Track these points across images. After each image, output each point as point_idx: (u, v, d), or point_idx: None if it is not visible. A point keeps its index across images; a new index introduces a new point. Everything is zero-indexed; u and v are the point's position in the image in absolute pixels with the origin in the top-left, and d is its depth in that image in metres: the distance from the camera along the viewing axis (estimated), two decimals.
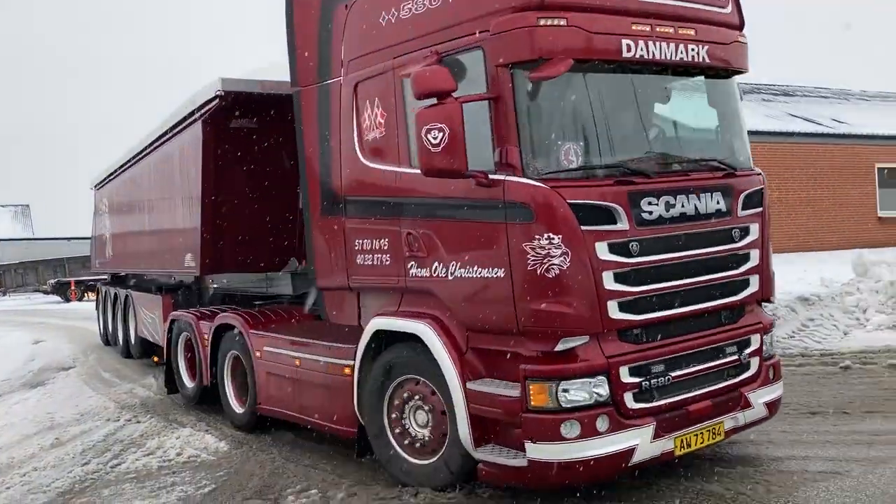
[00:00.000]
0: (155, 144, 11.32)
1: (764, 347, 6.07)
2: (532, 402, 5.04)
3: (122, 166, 14.02)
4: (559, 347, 5.06)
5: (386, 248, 6.04)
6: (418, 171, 5.54)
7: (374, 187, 6.18)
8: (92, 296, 40.06)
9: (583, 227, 4.99)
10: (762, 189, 5.99)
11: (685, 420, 5.45)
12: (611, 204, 5.12)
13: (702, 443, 5.58)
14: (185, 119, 9.46)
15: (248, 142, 8.84)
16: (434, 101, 4.99)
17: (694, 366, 5.57)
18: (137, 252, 13.28)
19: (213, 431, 8.43)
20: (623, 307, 5.14)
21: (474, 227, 5.37)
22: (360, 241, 6.34)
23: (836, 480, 5.60)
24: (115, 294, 15.44)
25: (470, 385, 5.43)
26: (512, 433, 5.26)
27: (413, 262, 5.83)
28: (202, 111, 8.70)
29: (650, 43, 5.27)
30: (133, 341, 14.06)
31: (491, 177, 5.10)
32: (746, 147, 6.14)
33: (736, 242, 5.77)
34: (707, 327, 5.69)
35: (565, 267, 4.91)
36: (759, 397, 5.97)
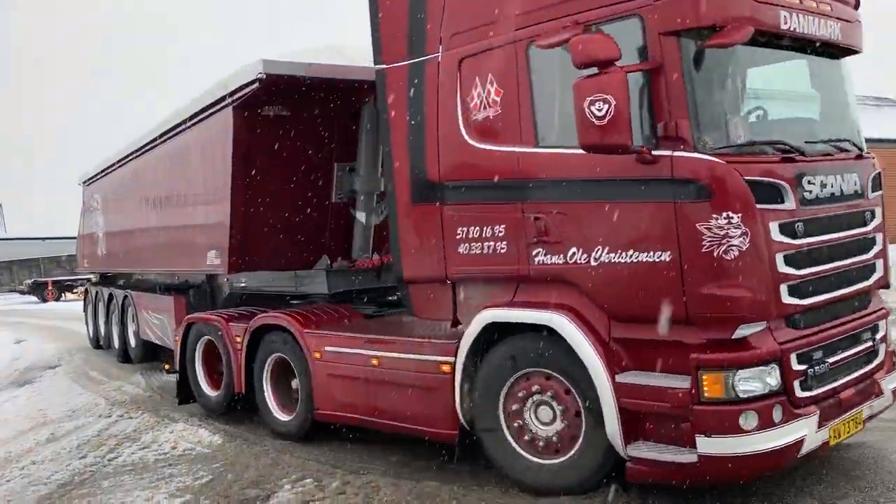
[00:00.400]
0: (167, 135, 9.67)
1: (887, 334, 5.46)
2: (706, 394, 4.40)
3: (121, 160, 12.10)
4: (737, 335, 4.42)
5: (501, 234, 5.27)
6: (547, 150, 4.94)
7: (486, 170, 5.33)
8: (69, 296, 39.68)
9: (757, 206, 4.39)
10: (881, 172, 5.35)
11: (838, 408, 4.83)
12: (781, 182, 4.48)
13: (848, 432, 4.92)
14: (210, 106, 8.06)
15: (280, 131, 7.60)
16: (594, 71, 4.38)
17: (842, 352, 4.95)
18: (139, 250, 11.46)
19: (205, 426, 7.76)
20: (791, 291, 4.54)
21: (630, 207, 4.62)
22: (464, 229, 5.50)
23: (805, 464, 5.22)
24: (111, 295, 13.24)
25: (620, 378, 4.68)
26: (671, 428, 4.59)
27: (540, 249, 5.03)
28: (234, 96, 7.41)
29: (799, 16, 4.75)
30: (133, 344, 12.08)
31: (654, 152, 4.42)
32: (861, 129, 5.49)
33: (867, 225, 5.12)
34: (847, 313, 5.07)
35: (744, 248, 4.31)
36: (888, 384, 5.35)
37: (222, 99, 7.69)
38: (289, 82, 7.16)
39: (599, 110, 4.33)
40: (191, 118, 8.72)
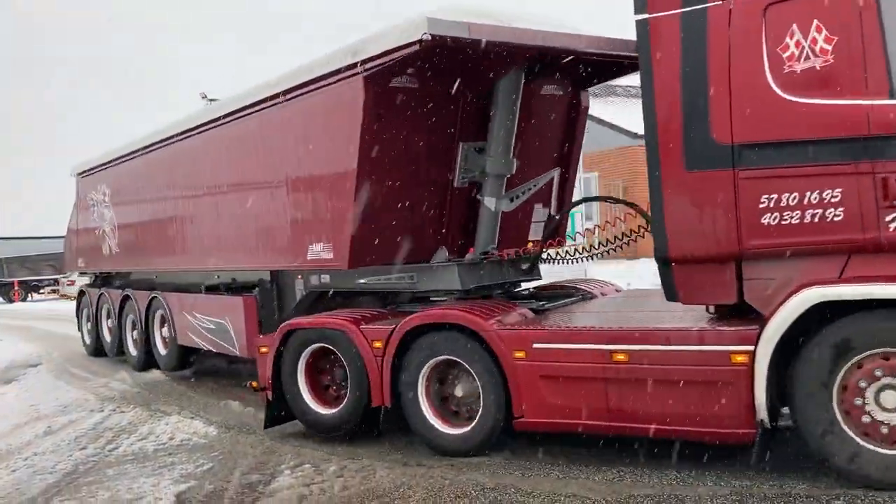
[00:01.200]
0: (237, 115, 8.39)
1: None
2: None
3: (146, 147, 10.69)
4: None
5: (835, 199, 4.65)
6: None
7: (813, 126, 4.72)
8: (35, 296, 39.43)
9: None
10: None
11: None
12: None
13: None
14: (323, 77, 6.97)
15: (407, 106, 6.76)
16: None
17: None
18: (181, 247, 10.06)
19: (198, 418, 7.93)
20: None
21: None
22: (772, 196, 4.83)
23: None
24: (126, 297, 11.77)
25: None
26: None
27: None
28: (368, 64, 6.43)
29: None
30: (163, 352, 10.86)
31: None
32: None
33: None
34: None
35: None
36: None
37: (349, 67, 6.65)
38: (450, 47, 6.14)
39: None
40: (284, 93, 7.54)
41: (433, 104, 6.91)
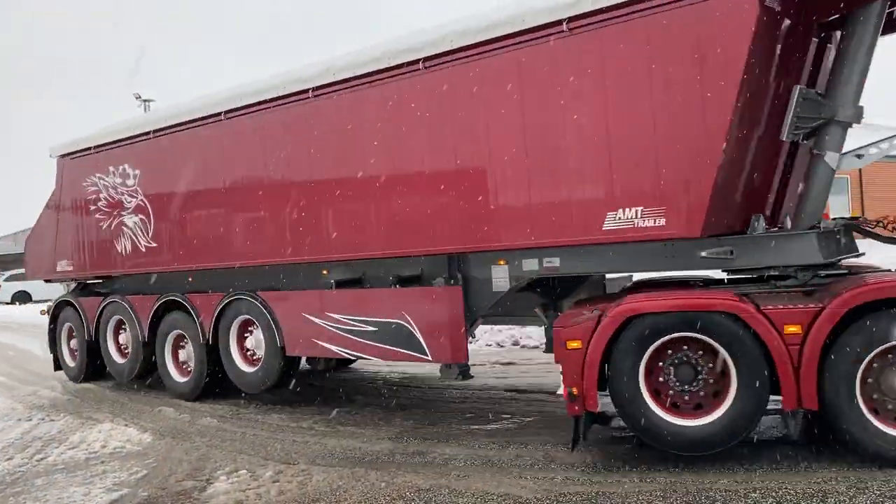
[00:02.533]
0: (460, 56, 6.58)
1: None
2: None
3: (231, 112, 8.41)
4: None
5: None
6: None
7: None
8: None
9: None
10: None
11: None
12: None
13: None
14: None
15: (769, 34, 5.41)
16: None
17: None
18: (310, 230, 7.87)
19: (132, 425, 7.83)
20: None
21: None
22: None
23: None
24: (171, 303, 9.27)
25: None
26: None
27: None
28: None
29: None
30: (250, 368, 8.59)
31: None
32: None
33: None
34: None
35: None
36: None
37: None
38: None
39: None
40: (569, 21, 5.92)
41: (784, 34, 5.63)
